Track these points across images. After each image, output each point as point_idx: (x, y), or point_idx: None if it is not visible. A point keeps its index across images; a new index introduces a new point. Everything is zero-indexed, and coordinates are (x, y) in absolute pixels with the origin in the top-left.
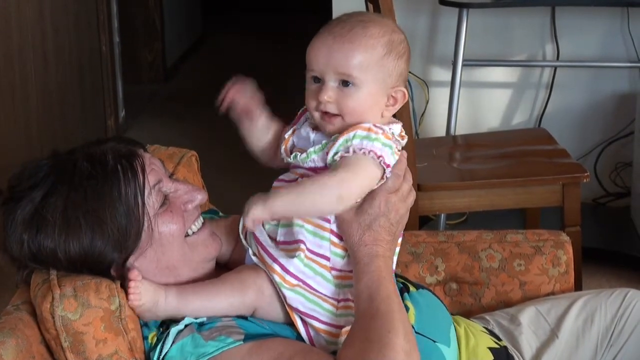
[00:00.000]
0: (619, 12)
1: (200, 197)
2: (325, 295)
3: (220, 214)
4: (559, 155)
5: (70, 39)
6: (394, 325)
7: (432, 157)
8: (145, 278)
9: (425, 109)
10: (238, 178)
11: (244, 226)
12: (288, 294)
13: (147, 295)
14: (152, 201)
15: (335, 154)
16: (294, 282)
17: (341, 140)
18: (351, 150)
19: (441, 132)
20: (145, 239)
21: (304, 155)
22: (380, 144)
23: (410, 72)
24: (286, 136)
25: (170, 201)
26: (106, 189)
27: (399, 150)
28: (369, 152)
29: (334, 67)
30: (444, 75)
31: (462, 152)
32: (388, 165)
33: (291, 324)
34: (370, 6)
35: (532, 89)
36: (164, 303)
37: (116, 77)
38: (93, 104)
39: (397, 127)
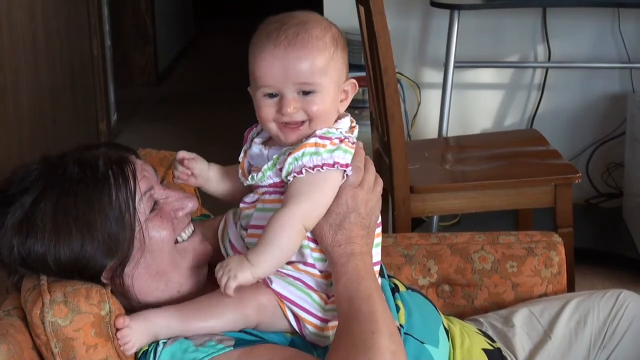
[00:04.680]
0: (610, 13)
1: (191, 205)
2: (315, 290)
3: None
4: (550, 156)
5: (61, 43)
6: (377, 327)
7: (424, 158)
8: (133, 319)
9: (417, 111)
10: None
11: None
12: (275, 279)
13: (139, 338)
14: (143, 207)
15: (288, 174)
16: (284, 273)
17: (290, 159)
18: (304, 171)
19: (433, 133)
20: (137, 245)
21: (260, 174)
22: (329, 153)
23: (402, 74)
24: (240, 159)
25: (160, 207)
26: (96, 194)
27: (352, 144)
28: (322, 167)
29: (293, 79)
30: (436, 77)
31: (454, 153)
32: (346, 165)
33: (287, 330)
34: (361, 8)
35: (523, 90)
36: (166, 331)
37: (108, 81)
38: (85, 108)
39: (346, 121)
